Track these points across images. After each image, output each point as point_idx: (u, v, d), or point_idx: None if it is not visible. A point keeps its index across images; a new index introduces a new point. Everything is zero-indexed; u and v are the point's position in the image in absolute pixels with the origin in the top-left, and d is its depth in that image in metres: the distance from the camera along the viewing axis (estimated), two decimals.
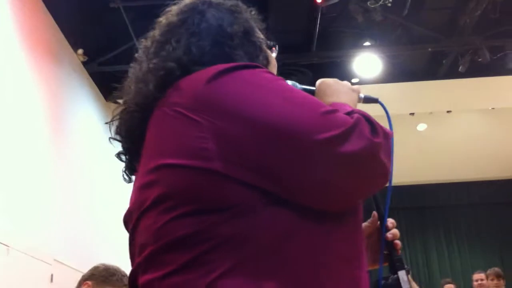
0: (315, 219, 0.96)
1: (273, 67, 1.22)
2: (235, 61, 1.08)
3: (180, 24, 1.15)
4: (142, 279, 1.00)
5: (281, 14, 6.39)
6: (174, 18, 1.18)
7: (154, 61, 1.11)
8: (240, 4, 1.21)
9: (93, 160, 7.12)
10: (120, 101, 1.19)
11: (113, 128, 1.19)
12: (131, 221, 1.08)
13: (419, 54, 7.27)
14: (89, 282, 2.43)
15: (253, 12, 1.22)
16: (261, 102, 0.97)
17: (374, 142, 0.97)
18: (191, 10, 1.17)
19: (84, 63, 6.94)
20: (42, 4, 5.91)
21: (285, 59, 6.34)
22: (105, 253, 7.10)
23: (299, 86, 1.26)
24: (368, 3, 6.00)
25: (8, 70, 4.94)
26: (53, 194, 5.80)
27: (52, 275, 4.56)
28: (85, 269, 6.06)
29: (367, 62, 6.93)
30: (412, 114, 8.91)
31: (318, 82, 1.25)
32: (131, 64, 1.22)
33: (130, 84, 1.16)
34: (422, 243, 11.34)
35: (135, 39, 6.21)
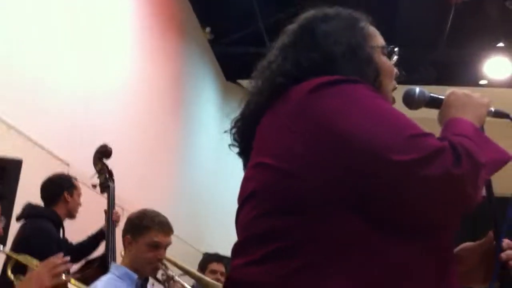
0: (387, 228, 1.02)
1: (386, 75, 1.22)
2: (341, 74, 1.12)
3: (294, 42, 1.20)
4: (233, 262, 1.13)
5: (410, 8, 6.20)
6: (292, 33, 1.23)
7: (269, 72, 1.19)
8: (355, 14, 1.24)
9: (210, 139, 7.30)
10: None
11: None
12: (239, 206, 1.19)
13: None
14: (128, 236, 2.52)
15: (369, 19, 1.25)
16: (352, 118, 1.03)
17: (452, 172, 0.99)
18: (311, 20, 1.22)
19: (210, 41, 7.11)
20: None
21: (411, 54, 6.15)
22: (215, 231, 7.30)
23: (427, 94, 1.26)
24: (507, 3, 5.70)
25: (136, 43, 5.15)
26: (173, 171, 6.03)
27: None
28: (196, 243, 6.21)
29: (498, 64, 6.60)
30: None
31: (448, 92, 1.24)
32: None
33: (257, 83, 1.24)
34: None
35: (260, 22, 6.28)
